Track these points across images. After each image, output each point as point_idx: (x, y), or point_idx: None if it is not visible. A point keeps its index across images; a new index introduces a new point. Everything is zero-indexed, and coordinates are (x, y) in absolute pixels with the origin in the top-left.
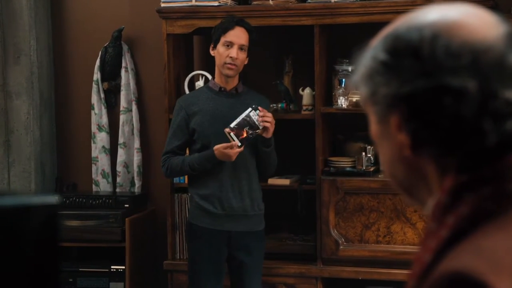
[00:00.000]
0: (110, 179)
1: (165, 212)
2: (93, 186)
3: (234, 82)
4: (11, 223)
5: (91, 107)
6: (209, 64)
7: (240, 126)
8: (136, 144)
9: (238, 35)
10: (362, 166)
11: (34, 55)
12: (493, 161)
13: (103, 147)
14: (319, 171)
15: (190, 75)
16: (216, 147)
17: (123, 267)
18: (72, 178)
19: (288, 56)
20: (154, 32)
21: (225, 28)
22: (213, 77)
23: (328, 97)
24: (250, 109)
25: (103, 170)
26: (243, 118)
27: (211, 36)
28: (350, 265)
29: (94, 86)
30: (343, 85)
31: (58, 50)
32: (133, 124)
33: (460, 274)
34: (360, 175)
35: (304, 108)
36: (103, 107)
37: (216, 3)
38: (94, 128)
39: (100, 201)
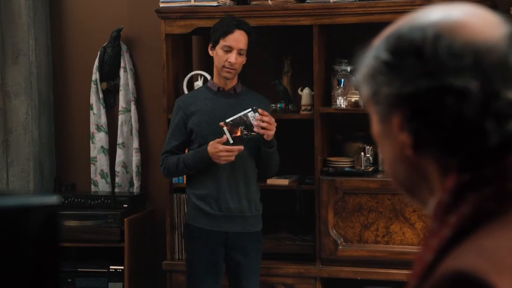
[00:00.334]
0: (108, 179)
1: (164, 212)
2: (92, 186)
3: (233, 82)
4: (11, 223)
5: (89, 107)
6: (208, 64)
7: (235, 123)
8: (135, 144)
9: (238, 39)
10: (361, 166)
11: (32, 55)
12: (495, 161)
13: (102, 147)
14: (318, 171)
15: (189, 75)
16: (210, 143)
17: (122, 267)
18: (71, 178)
19: (287, 56)
20: (153, 32)
21: (225, 32)
22: (212, 77)
23: (327, 97)
24: (249, 109)
25: (101, 170)
26: (240, 116)
27: (210, 35)
28: (349, 265)
29: (93, 86)
30: (342, 85)
31: (56, 50)
32: (132, 124)
33: (462, 274)
34: (359, 175)
35: (303, 108)
36: (101, 107)
37: (215, 3)
38: (92, 128)
39: (99, 201)
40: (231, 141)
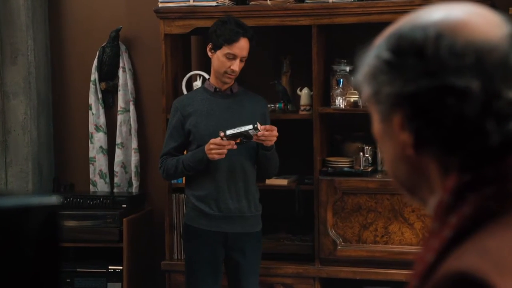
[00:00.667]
0: (107, 179)
1: (163, 212)
2: (91, 186)
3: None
4: (12, 224)
5: (88, 107)
6: (206, 64)
7: (234, 137)
8: (134, 144)
9: (243, 47)
10: (360, 166)
11: (31, 55)
12: (496, 161)
13: (101, 147)
14: (317, 171)
15: (187, 75)
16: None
17: (121, 268)
18: (70, 178)
19: (286, 56)
20: (152, 32)
21: (230, 39)
22: (209, 78)
23: (326, 97)
24: (251, 126)
25: (100, 170)
26: (240, 132)
27: (209, 34)
28: (347, 265)
29: (92, 86)
30: (341, 85)
31: (55, 50)
32: (130, 124)
33: (464, 274)
34: (358, 175)
35: (302, 108)
36: (100, 107)
37: (214, 3)
38: (91, 128)
39: (98, 201)
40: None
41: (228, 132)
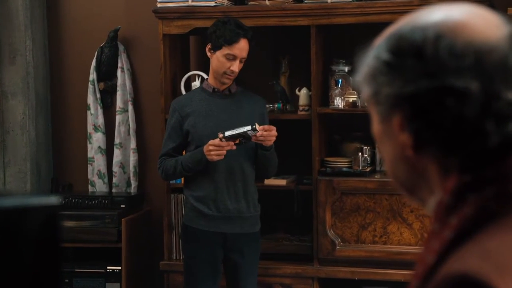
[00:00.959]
0: (106, 180)
1: (161, 212)
2: (89, 186)
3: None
4: (11, 224)
5: (87, 107)
6: (205, 64)
7: (233, 138)
8: (132, 144)
9: (242, 48)
10: (359, 167)
11: (29, 55)
12: (496, 162)
13: (99, 147)
14: (315, 171)
15: (186, 76)
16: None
17: (119, 268)
18: (68, 178)
19: (285, 56)
20: (150, 32)
21: (230, 40)
22: (207, 78)
23: (324, 98)
24: (249, 127)
25: (99, 170)
26: (239, 133)
27: (207, 34)
28: (346, 265)
29: (90, 86)
30: (339, 86)
31: (54, 50)
32: (129, 125)
33: (465, 276)
34: (357, 176)
35: (301, 108)
36: (99, 107)
37: (212, 4)
38: (90, 128)
39: (96, 201)
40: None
41: (227, 133)
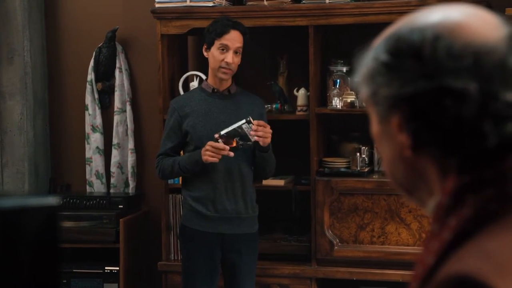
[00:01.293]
0: (104, 180)
1: (160, 212)
2: (87, 187)
3: (227, 83)
4: (11, 225)
5: (85, 107)
6: (203, 64)
7: (230, 136)
8: (130, 144)
9: (234, 39)
10: (357, 167)
11: (27, 56)
12: (494, 162)
13: (97, 147)
14: (313, 171)
15: (184, 76)
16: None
17: (117, 268)
18: (66, 179)
19: (283, 56)
20: (149, 32)
21: (220, 32)
22: (206, 78)
23: (322, 98)
24: (244, 120)
25: (97, 171)
26: (234, 129)
27: (203, 36)
28: (344, 266)
29: (88, 87)
30: (337, 86)
31: (51, 51)
32: (127, 125)
33: (465, 277)
34: (355, 176)
35: (299, 108)
36: (97, 108)
37: (210, 4)
38: (88, 128)
39: (94, 202)
40: (231, 153)
41: (223, 132)
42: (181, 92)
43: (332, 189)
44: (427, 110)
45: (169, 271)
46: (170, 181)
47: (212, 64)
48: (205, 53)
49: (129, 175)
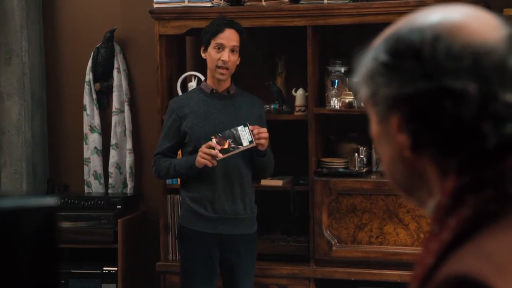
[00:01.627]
0: (102, 180)
1: (158, 213)
2: (85, 187)
3: (226, 83)
4: (9, 225)
5: (83, 108)
6: (201, 65)
7: (224, 137)
8: (128, 145)
9: (229, 37)
10: (355, 167)
11: (25, 56)
12: (494, 163)
13: (95, 148)
14: (311, 172)
15: (182, 76)
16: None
17: (115, 269)
18: (64, 179)
19: (281, 57)
20: (147, 33)
21: (215, 31)
22: (205, 79)
23: (320, 98)
24: (242, 126)
25: (95, 171)
26: (230, 130)
27: (201, 37)
28: (342, 266)
29: (86, 87)
30: (335, 86)
31: (49, 51)
32: (125, 125)
33: (464, 277)
34: (353, 176)
35: (297, 109)
36: (95, 108)
37: (209, 4)
38: (86, 129)
39: (92, 202)
40: (219, 154)
41: (221, 134)
42: (179, 93)
43: (330, 190)
44: (426, 110)
45: (167, 272)
46: (168, 182)
47: (209, 64)
48: (203, 55)
49: (127, 176)
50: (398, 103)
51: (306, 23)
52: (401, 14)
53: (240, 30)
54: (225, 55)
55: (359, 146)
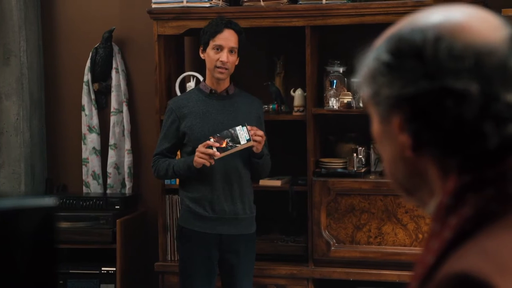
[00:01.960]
0: (100, 181)
1: (156, 213)
2: (84, 187)
3: (225, 84)
4: (7, 225)
5: (81, 108)
6: (200, 65)
7: (222, 136)
8: (127, 145)
9: (228, 38)
10: (353, 167)
11: (24, 56)
12: (495, 163)
13: (94, 148)
14: (310, 172)
15: (181, 76)
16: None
17: (114, 269)
18: (62, 179)
19: (280, 57)
20: (145, 33)
21: (214, 32)
22: (204, 79)
23: (319, 98)
24: (240, 126)
25: (93, 171)
26: (228, 130)
27: (199, 38)
28: (341, 266)
29: (85, 87)
30: (334, 86)
31: (48, 51)
32: (123, 125)
33: (465, 276)
34: (351, 176)
35: (296, 109)
36: (93, 108)
37: (207, 4)
38: (84, 129)
39: (91, 202)
40: (217, 152)
41: (218, 134)
42: (178, 93)
43: (329, 190)
44: (428, 110)
45: (166, 272)
46: (167, 182)
47: (208, 64)
48: (201, 55)
49: (126, 176)
50: (400, 103)
51: (305, 23)
52: (400, 14)
53: (238, 31)
54: (224, 56)
55: (357, 146)
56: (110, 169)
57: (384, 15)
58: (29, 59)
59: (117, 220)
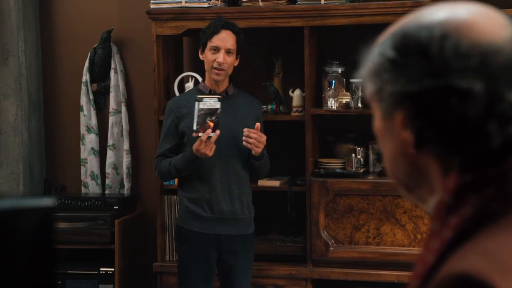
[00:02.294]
0: (99, 181)
1: (155, 213)
2: (82, 188)
3: (224, 84)
4: (6, 226)
5: (80, 108)
6: (199, 65)
7: (202, 122)
8: (125, 145)
9: (224, 39)
10: (352, 168)
11: (22, 56)
12: (497, 162)
13: (92, 148)
14: (309, 172)
15: (179, 77)
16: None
17: (112, 269)
18: (61, 180)
19: (278, 57)
20: (144, 33)
21: (211, 33)
22: (203, 80)
23: (318, 99)
24: (196, 103)
25: (92, 171)
26: (198, 115)
27: (199, 39)
28: (340, 267)
29: (83, 88)
30: (332, 87)
31: (46, 51)
32: (122, 126)
33: (465, 276)
34: (350, 177)
35: (294, 109)
36: (92, 109)
37: (206, 5)
38: (83, 129)
39: (89, 203)
40: (211, 135)
41: (194, 127)
42: (176, 93)
43: (327, 190)
44: (431, 108)
45: (164, 272)
46: (165, 182)
47: (206, 65)
48: (200, 56)
49: (124, 176)
50: (403, 99)
51: (303, 24)
52: (398, 15)
53: (236, 32)
54: (220, 57)
55: (356, 147)
56: (108, 170)
57: (382, 15)
58: (28, 60)
59: (116, 221)
